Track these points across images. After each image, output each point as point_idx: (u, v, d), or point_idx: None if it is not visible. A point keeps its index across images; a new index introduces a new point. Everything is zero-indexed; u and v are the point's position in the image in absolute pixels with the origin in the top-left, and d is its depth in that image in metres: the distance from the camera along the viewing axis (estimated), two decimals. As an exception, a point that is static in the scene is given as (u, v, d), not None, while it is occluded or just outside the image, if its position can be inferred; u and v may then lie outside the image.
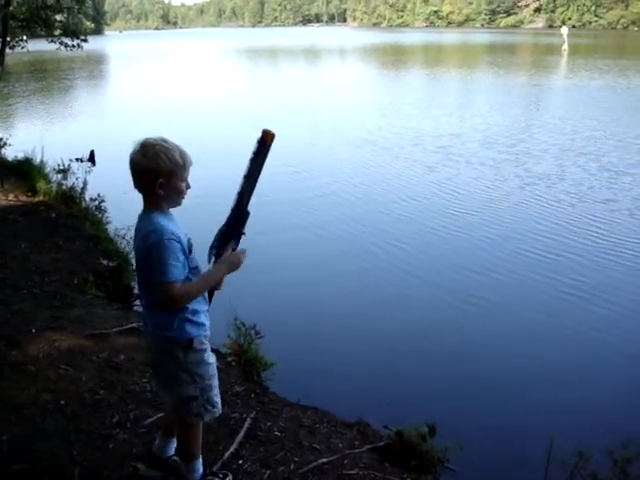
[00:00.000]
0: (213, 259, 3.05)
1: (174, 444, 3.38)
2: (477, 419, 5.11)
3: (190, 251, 2.91)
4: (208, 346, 3.07)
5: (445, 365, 5.99)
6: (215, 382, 3.13)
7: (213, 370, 3.11)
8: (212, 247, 3.05)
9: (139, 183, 2.85)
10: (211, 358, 3.09)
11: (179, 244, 2.82)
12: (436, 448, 4.18)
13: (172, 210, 2.96)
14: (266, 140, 2.91)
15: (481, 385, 5.67)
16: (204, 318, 3.03)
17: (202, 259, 3.02)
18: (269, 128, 2.91)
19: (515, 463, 4.57)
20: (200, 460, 3.27)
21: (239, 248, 3.08)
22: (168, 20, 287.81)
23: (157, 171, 2.78)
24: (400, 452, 4.17)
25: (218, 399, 3.15)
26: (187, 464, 3.25)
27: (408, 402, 5.31)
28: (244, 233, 3.07)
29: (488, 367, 5.97)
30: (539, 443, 4.12)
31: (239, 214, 3.02)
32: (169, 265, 2.77)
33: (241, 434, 4.01)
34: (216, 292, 3.13)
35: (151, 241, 2.79)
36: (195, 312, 2.97)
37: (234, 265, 3.01)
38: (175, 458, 3.37)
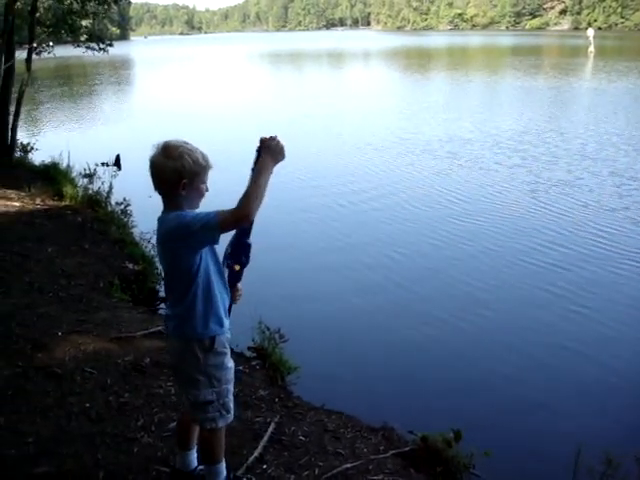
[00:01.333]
0: (227, 271, 3.05)
1: (195, 455, 3.38)
2: (503, 425, 5.06)
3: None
4: (229, 350, 3.08)
5: (470, 371, 5.94)
6: (231, 387, 3.13)
7: (231, 375, 3.11)
8: (225, 258, 3.04)
9: (161, 185, 2.86)
10: (230, 363, 3.10)
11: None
12: (462, 454, 4.13)
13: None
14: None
15: (506, 391, 5.61)
16: (224, 313, 3.01)
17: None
18: (266, 136, 2.85)
19: (542, 470, 4.51)
20: (223, 463, 3.26)
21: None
22: (193, 25, 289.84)
23: (181, 172, 2.79)
24: (425, 458, 4.13)
25: (232, 405, 3.14)
26: (210, 467, 3.23)
27: (433, 407, 5.26)
28: (250, 244, 3.04)
29: (514, 373, 5.89)
30: (566, 449, 4.06)
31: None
32: (199, 216, 2.74)
33: (265, 438, 4.00)
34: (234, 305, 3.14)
35: (176, 229, 2.78)
36: (217, 307, 2.97)
37: (276, 151, 2.83)
38: (201, 468, 3.36)
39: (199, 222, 2.72)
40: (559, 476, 4.02)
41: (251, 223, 2.92)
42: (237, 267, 3.06)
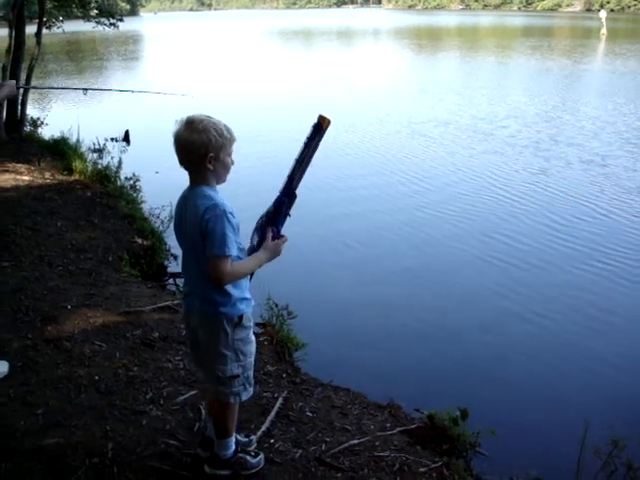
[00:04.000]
0: (257, 239, 3.06)
1: None
2: (510, 404, 5.08)
3: (238, 228, 2.93)
4: (253, 323, 3.13)
5: (477, 350, 5.96)
6: (253, 361, 3.19)
7: (254, 348, 3.18)
8: (258, 225, 3.06)
9: (188, 158, 2.87)
10: (253, 336, 3.16)
11: (236, 221, 2.86)
12: (468, 432, 4.14)
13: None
14: (322, 125, 2.93)
15: (514, 370, 5.63)
16: (249, 294, 3.08)
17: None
18: (325, 114, 2.91)
19: (548, 449, 4.53)
20: (233, 438, 3.31)
21: (283, 234, 3.10)
22: (202, 2, 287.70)
23: (208, 146, 2.81)
24: (431, 435, 4.15)
25: (252, 380, 3.21)
26: (220, 440, 3.28)
27: (440, 386, 5.29)
28: (290, 215, 3.08)
29: (521, 352, 5.92)
30: (573, 430, 4.08)
31: (288, 196, 3.03)
32: (229, 240, 2.80)
33: (273, 413, 4.03)
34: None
35: (212, 215, 2.80)
36: (245, 289, 3.05)
37: (275, 254, 3.05)
38: None
39: (216, 242, 2.79)
40: (565, 456, 4.04)
41: (295, 197, 3.03)
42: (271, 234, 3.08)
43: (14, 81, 3.90)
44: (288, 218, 3.10)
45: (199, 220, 2.82)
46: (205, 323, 3.04)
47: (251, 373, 3.17)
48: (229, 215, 2.82)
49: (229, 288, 2.93)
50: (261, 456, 3.46)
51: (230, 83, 26.54)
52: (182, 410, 3.97)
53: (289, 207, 3.06)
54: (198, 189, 2.89)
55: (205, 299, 2.98)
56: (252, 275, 3.11)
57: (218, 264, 2.82)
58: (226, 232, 2.79)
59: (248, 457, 3.40)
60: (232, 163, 2.96)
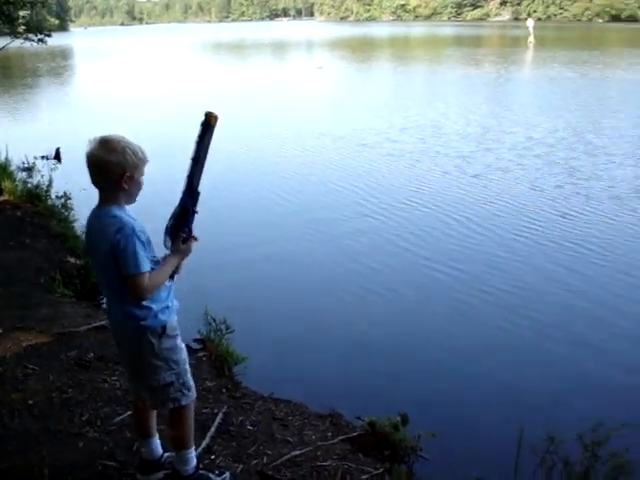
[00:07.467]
0: (169, 241, 3.09)
1: (158, 442, 3.40)
2: (448, 408, 5.12)
3: (149, 242, 2.95)
4: (179, 332, 3.14)
5: (415, 356, 6.02)
6: (188, 367, 3.20)
7: (185, 355, 3.19)
8: (167, 228, 3.08)
9: (102, 178, 2.87)
10: (182, 344, 3.17)
11: (145, 237, 2.89)
12: (409, 437, 4.19)
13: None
14: (210, 122, 2.95)
15: (451, 374, 5.68)
16: (170, 302, 3.09)
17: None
18: (211, 110, 2.96)
19: (487, 449, 4.59)
20: (193, 450, 3.29)
21: (194, 234, 3.12)
22: (134, 16, 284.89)
23: (124, 165, 2.83)
24: (373, 442, 4.19)
25: (192, 383, 3.21)
26: (179, 453, 3.25)
27: (381, 393, 5.31)
28: (197, 212, 3.10)
29: (456, 355, 5.99)
30: (510, 429, 4.13)
31: (191, 195, 3.04)
32: (141, 257, 2.84)
33: (212, 429, 4.00)
34: (176, 276, 3.16)
35: (122, 235, 2.82)
36: (165, 297, 3.05)
37: (186, 255, 3.10)
38: (167, 455, 3.39)
39: (130, 261, 2.83)
40: (504, 454, 4.08)
41: (198, 194, 3.04)
42: (183, 236, 3.09)
43: None
44: (196, 215, 3.11)
45: (110, 240, 2.84)
46: (130, 337, 3.06)
47: (187, 379, 3.17)
48: (139, 233, 2.85)
49: (146, 302, 2.95)
50: (226, 474, 3.43)
51: (159, 98, 26.32)
52: (120, 431, 3.91)
53: (194, 205, 3.08)
54: (107, 209, 2.90)
55: (125, 314, 3.00)
56: (173, 277, 3.11)
57: (136, 281, 2.86)
58: (137, 250, 2.84)
59: (212, 475, 3.35)
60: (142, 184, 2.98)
